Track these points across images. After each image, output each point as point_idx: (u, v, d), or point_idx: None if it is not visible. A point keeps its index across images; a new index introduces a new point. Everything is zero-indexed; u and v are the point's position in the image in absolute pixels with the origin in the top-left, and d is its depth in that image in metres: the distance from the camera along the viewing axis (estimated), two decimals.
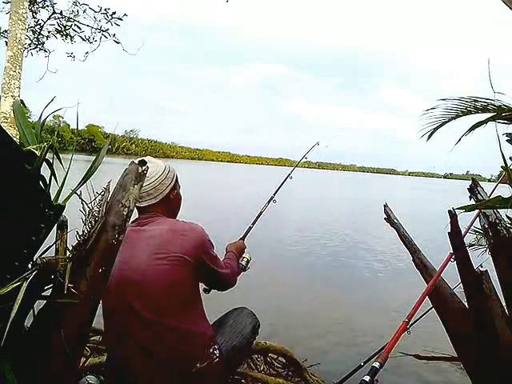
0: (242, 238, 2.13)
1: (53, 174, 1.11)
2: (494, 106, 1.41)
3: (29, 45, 5.86)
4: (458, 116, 1.54)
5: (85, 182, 1.14)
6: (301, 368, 2.49)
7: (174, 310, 1.37)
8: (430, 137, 1.64)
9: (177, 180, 1.59)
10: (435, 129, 1.60)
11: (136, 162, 1.36)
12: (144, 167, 1.19)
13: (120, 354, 1.40)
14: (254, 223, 2.26)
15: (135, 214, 1.46)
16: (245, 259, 2.00)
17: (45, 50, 6.20)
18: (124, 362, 1.38)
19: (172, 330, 1.36)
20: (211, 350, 1.44)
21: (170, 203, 1.55)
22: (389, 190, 33.34)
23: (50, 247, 1.12)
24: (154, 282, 1.34)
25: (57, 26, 6.03)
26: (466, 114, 1.52)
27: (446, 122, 1.57)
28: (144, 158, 1.41)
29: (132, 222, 1.47)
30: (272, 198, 2.41)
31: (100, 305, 1.35)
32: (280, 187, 2.47)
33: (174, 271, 1.35)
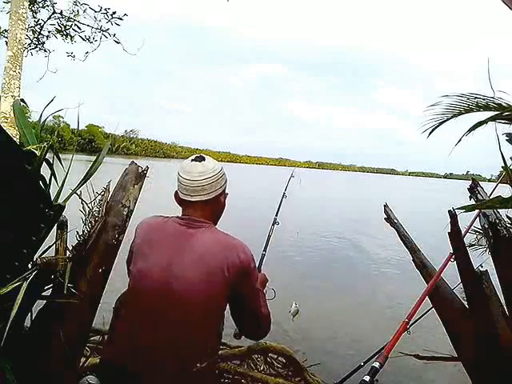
0: (259, 269, 1.97)
1: (53, 173, 1.11)
2: (496, 104, 1.41)
3: (29, 45, 5.86)
4: (460, 113, 1.53)
5: (85, 181, 1.14)
6: (301, 368, 2.49)
7: (199, 322, 1.33)
8: (430, 134, 1.64)
9: (227, 185, 1.51)
10: (438, 125, 1.60)
11: (193, 157, 1.37)
12: (144, 167, 1.19)
13: (128, 354, 1.37)
14: (265, 249, 2.13)
15: (172, 210, 1.44)
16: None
17: (45, 50, 6.19)
18: (128, 362, 1.36)
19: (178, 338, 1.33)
20: (209, 351, 1.43)
21: (217, 206, 1.46)
22: (389, 191, 33.33)
23: (50, 247, 1.12)
24: (194, 296, 1.30)
25: (57, 26, 6.03)
26: (468, 112, 1.51)
27: (449, 119, 1.57)
28: (202, 155, 1.40)
29: (178, 218, 1.38)
30: (275, 219, 2.33)
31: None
32: (279, 208, 2.40)
33: (212, 287, 1.31)
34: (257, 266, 1.79)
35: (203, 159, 1.38)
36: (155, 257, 1.33)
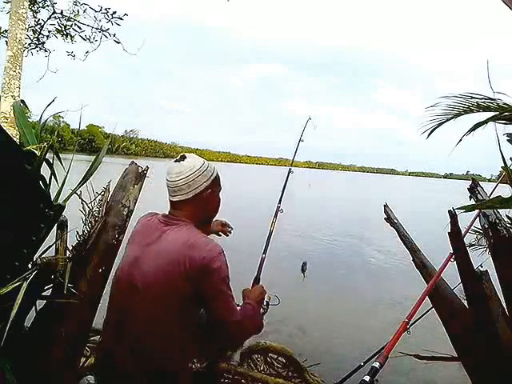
0: (257, 279, 1.90)
1: (53, 173, 1.11)
2: (496, 104, 1.41)
3: (29, 45, 5.86)
4: (460, 114, 1.53)
5: (85, 181, 1.14)
6: (301, 368, 2.49)
7: (160, 317, 1.31)
8: (429, 134, 1.64)
9: (216, 181, 1.47)
10: (437, 126, 1.60)
11: (177, 157, 1.37)
12: (144, 167, 1.19)
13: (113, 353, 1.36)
14: (265, 251, 2.06)
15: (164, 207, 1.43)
16: (264, 302, 1.68)
17: (45, 50, 6.20)
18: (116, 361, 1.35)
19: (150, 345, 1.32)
20: (179, 350, 1.39)
21: (200, 204, 1.43)
22: (389, 191, 33.33)
23: (50, 247, 1.12)
24: (152, 288, 1.29)
25: (57, 26, 6.03)
26: (468, 113, 1.51)
27: (448, 120, 1.57)
28: (186, 154, 1.39)
29: (162, 215, 1.38)
30: (278, 208, 2.23)
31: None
32: (282, 195, 2.29)
33: (170, 278, 1.29)
34: (255, 274, 1.79)
35: (184, 159, 1.38)
36: (128, 253, 1.34)
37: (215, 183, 1.47)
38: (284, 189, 2.33)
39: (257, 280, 1.89)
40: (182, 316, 1.28)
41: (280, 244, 7.92)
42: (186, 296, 1.26)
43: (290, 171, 2.45)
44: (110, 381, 1.35)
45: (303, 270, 2.30)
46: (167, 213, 1.41)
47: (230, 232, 1.95)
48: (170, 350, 1.28)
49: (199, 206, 1.43)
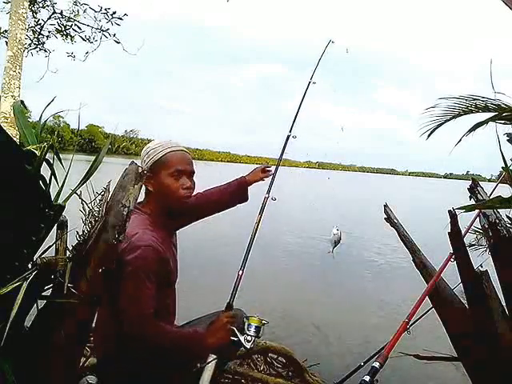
0: (230, 304, 1.53)
1: (53, 173, 1.11)
2: (495, 105, 1.41)
3: (29, 45, 5.86)
4: (459, 115, 1.54)
5: (85, 181, 1.14)
6: (301, 368, 2.49)
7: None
8: (429, 135, 1.64)
9: (158, 163, 1.43)
10: (436, 127, 1.61)
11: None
12: (144, 167, 1.18)
13: None
14: (243, 267, 1.63)
15: None
16: (252, 327, 1.40)
17: (45, 50, 6.20)
18: None
19: None
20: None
21: (155, 190, 1.44)
22: (389, 191, 33.32)
23: (50, 247, 1.12)
24: None
25: (57, 26, 6.04)
26: (467, 113, 1.52)
27: (448, 121, 1.58)
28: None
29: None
30: (266, 199, 1.85)
31: None
32: (272, 182, 1.92)
33: None
34: (229, 296, 1.53)
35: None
36: None
37: (156, 165, 1.44)
38: (277, 170, 1.96)
39: (230, 306, 1.53)
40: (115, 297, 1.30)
41: (279, 246, 7.93)
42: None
43: (288, 138, 2.04)
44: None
45: (335, 243, 1.95)
46: None
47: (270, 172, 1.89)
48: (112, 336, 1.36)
49: (154, 195, 1.46)
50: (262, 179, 1.88)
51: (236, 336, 1.39)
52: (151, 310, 1.29)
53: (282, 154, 2.02)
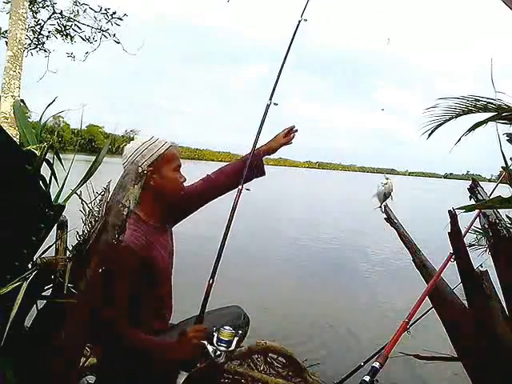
0: (200, 317, 1.43)
1: (53, 174, 1.11)
2: (495, 105, 1.41)
3: (29, 45, 5.87)
4: (459, 115, 1.54)
5: (85, 182, 1.14)
6: (301, 368, 2.49)
7: None
8: (429, 135, 1.64)
9: (162, 158, 1.41)
10: (437, 127, 1.61)
11: None
12: (144, 167, 1.18)
13: None
14: (213, 275, 1.46)
15: None
16: (222, 341, 1.31)
17: (45, 50, 6.21)
18: None
19: None
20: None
21: (148, 187, 1.37)
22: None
23: (50, 247, 1.12)
24: None
25: (57, 26, 6.04)
26: (466, 113, 1.52)
27: (447, 121, 1.58)
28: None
29: None
30: (239, 191, 1.65)
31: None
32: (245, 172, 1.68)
33: None
34: (199, 308, 1.42)
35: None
36: None
37: (158, 161, 1.43)
38: (254, 146, 1.73)
39: (200, 318, 1.43)
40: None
41: (279, 247, 7.93)
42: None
43: (268, 106, 1.79)
44: None
45: (385, 196, 1.81)
46: None
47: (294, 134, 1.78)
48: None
49: (150, 191, 1.42)
50: (286, 144, 1.75)
51: (206, 349, 1.31)
52: (123, 311, 1.30)
53: (261, 124, 1.78)
